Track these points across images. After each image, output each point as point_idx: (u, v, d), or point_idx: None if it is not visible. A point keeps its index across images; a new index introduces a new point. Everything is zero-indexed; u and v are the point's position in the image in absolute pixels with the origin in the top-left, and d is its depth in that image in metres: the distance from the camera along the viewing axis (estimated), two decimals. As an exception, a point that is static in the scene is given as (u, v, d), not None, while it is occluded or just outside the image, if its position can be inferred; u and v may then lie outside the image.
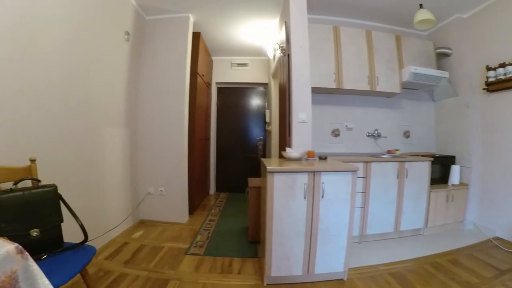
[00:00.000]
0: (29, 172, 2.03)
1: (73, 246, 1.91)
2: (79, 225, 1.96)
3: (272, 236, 2.42)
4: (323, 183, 2.42)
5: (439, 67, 4.31)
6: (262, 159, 3.01)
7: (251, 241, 3.46)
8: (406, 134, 4.59)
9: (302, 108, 3.26)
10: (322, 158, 3.10)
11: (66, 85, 2.66)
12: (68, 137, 2.71)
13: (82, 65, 2.90)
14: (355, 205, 2.54)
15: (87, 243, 1.98)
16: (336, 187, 2.47)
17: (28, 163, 2.06)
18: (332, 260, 2.55)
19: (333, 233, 2.50)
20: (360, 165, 3.34)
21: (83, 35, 2.88)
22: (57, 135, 2.55)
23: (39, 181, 1.97)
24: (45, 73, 2.39)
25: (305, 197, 2.41)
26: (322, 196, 2.43)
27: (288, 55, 3.41)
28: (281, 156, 3.45)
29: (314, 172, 2.41)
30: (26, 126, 2.20)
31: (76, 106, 2.82)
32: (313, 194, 2.42)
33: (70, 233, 1.99)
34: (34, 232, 1.74)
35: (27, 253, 1.08)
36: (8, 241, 1.08)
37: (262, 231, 2.77)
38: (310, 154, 3.09)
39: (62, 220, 1.94)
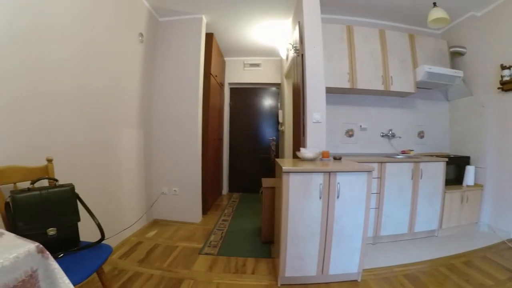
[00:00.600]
0: (45, 171, 2.06)
1: (90, 245, 1.92)
2: (96, 224, 1.98)
3: (287, 236, 2.40)
4: (338, 183, 2.40)
5: (453, 66, 4.24)
6: (277, 159, 3.00)
7: (265, 241, 3.45)
8: (421, 134, 4.52)
9: (316, 108, 3.24)
10: (337, 158, 3.08)
11: (82, 87, 2.70)
12: (83, 138, 2.74)
13: (98, 67, 2.94)
14: (370, 205, 2.51)
15: (103, 242, 1.99)
16: (352, 188, 2.44)
17: (45, 163, 2.08)
18: (346, 261, 2.52)
19: (348, 233, 2.48)
20: (375, 166, 3.30)
21: (98, 38, 2.93)
22: (72, 136, 2.58)
23: (56, 180, 1.99)
24: (62, 76, 2.42)
25: (320, 198, 2.39)
26: (338, 197, 2.41)
27: (302, 55, 3.39)
28: (295, 157, 3.44)
29: (329, 172, 2.40)
30: (43, 127, 2.23)
31: (91, 107, 2.86)
32: (328, 195, 2.40)
33: (86, 232, 2.02)
34: (51, 231, 1.77)
35: (47, 252, 1.08)
36: (29, 240, 1.08)
37: (277, 231, 2.77)
38: (324, 155, 3.07)
39: (79, 219, 1.97)
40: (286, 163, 2.65)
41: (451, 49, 4.24)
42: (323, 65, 3.33)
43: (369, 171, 2.47)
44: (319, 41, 3.35)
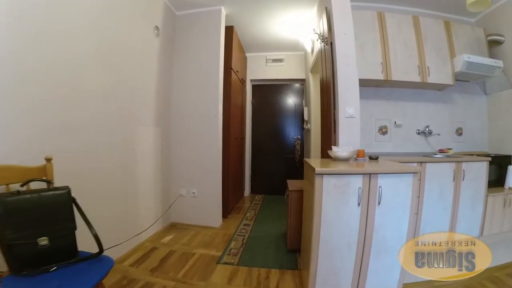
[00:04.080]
0: (44, 172, 1.83)
1: (88, 258, 1.67)
2: (93, 234, 1.73)
3: (319, 248, 2.07)
4: (380, 187, 2.04)
5: (491, 56, 3.79)
6: (306, 159, 2.66)
7: (291, 249, 3.13)
8: (459, 131, 4.09)
9: (349, 101, 2.89)
10: (373, 158, 2.73)
11: (96, 84, 2.58)
12: (98, 137, 2.60)
13: (113, 62, 2.81)
14: (415, 212, 2.15)
15: (106, 252, 1.76)
16: (395, 192, 2.08)
17: (44, 162, 1.85)
18: (385, 276, 2.17)
19: (389, 245, 2.12)
20: (414, 166, 2.94)
21: (114, 33, 2.80)
22: (84, 135, 2.44)
23: (50, 182, 1.73)
24: (74, 74, 2.32)
25: (359, 204, 2.04)
26: (379, 203, 2.05)
27: (331, 44, 3.06)
28: (324, 156, 3.12)
29: (370, 174, 2.04)
30: (53, 127, 2.11)
31: (105, 105, 2.72)
32: (368, 200, 2.05)
33: (89, 241, 1.76)
34: (43, 241, 1.55)
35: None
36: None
37: (305, 240, 2.45)
38: (360, 154, 2.70)
39: (75, 227, 1.71)
40: (317, 164, 2.31)
41: (489, 38, 3.81)
42: (355, 53, 2.98)
43: (415, 173, 2.10)
44: (350, 27, 3.00)
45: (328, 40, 3.10)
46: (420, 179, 2.97)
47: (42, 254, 1.52)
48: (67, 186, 1.74)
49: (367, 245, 2.09)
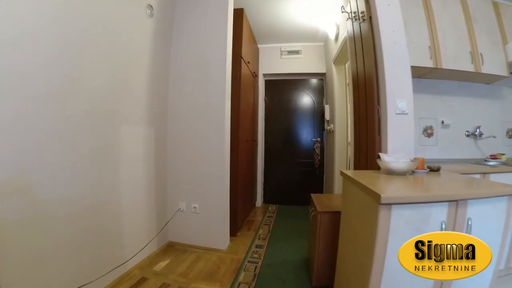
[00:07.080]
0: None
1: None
2: None
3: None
4: (469, 219, 1.33)
5: None
6: (350, 175, 1.86)
7: (317, 286, 2.41)
8: (509, 133, 3.41)
9: (400, 92, 2.18)
10: (434, 169, 2.03)
11: (73, 71, 2.03)
12: (75, 140, 2.07)
13: (92, 44, 2.21)
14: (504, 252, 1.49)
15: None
16: (484, 225, 1.38)
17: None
18: None
19: (472, 302, 1.41)
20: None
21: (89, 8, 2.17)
22: (60, 137, 1.94)
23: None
24: (39, 57, 1.77)
25: (439, 246, 1.32)
26: (466, 243, 1.34)
27: (370, 18, 2.39)
28: (358, 166, 2.41)
29: (457, 201, 1.32)
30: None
31: (85, 98, 2.16)
32: (451, 240, 1.33)
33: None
34: None
35: None
36: None
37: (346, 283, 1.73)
38: (421, 164, 1.98)
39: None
40: (371, 181, 1.60)
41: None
42: (403, 29, 2.30)
43: (510, 196, 1.41)
44: (394, -7, 2.32)
45: (366, 14, 2.41)
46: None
47: None
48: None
49: (443, 305, 1.38)
